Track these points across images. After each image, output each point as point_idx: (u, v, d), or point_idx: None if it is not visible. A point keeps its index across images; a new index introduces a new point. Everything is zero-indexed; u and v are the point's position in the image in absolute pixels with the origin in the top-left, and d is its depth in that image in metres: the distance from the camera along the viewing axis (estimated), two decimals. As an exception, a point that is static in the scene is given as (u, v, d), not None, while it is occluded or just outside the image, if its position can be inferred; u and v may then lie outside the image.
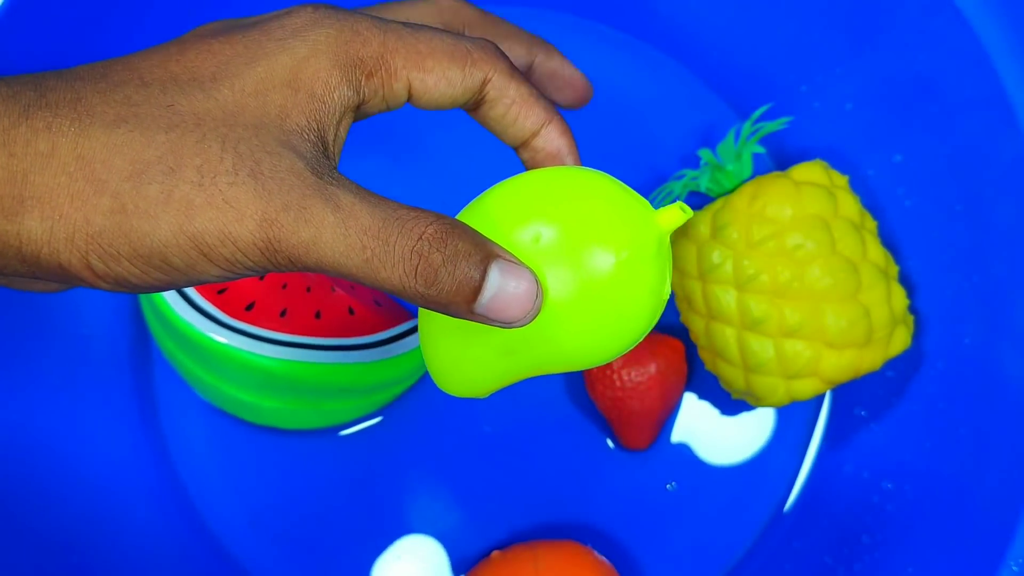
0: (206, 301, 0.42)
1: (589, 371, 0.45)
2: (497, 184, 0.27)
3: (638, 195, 0.25)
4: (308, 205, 0.23)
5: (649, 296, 0.25)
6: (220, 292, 0.43)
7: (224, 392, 0.43)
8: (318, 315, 0.43)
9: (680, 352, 0.45)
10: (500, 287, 0.23)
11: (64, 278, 0.23)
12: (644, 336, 0.26)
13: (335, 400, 0.44)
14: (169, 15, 0.45)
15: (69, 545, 0.42)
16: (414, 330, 0.45)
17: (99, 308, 0.46)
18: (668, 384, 0.44)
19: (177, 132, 0.23)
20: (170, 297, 0.42)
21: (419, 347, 0.44)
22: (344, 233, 0.23)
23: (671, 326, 0.47)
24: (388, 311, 0.46)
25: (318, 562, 0.46)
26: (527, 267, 0.24)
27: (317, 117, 0.25)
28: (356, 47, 0.25)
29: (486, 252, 0.23)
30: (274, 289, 0.43)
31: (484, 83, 0.27)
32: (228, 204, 0.22)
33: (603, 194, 0.25)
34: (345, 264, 0.23)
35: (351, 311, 0.44)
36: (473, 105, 0.28)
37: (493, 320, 0.24)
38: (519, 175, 0.27)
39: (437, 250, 0.23)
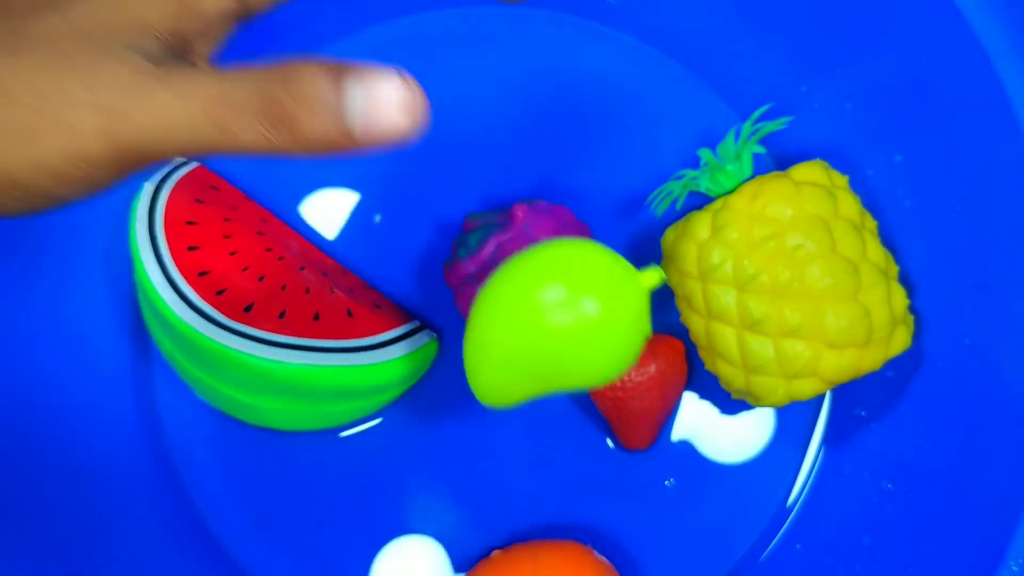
0: (205, 302, 0.42)
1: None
2: (520, 254, 0.34)
3: (624, 262, 0.34)
4: (145, 92, 0.22)
5: (635, 333, 0.34)
6: (219, 293, 0.43)
7: (223, 393, 0.43)
8: (317, 317, 0.43)
9: (680, 352, 0.45)
10: (366, 95, 0.21)
11: None
12: (632, 362, 0.34)
13: (333, 402, 0.44)
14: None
15: (69, 545, 0.42)
16: (413, 332, 0.45)
17: (99, 307, 0.46)
18: (668, 384, 0.44)
19: (19, 56, 0.22)
20: (169, 298, 0.42)
21: (417, 350, 0.44)
22: (185, 107, 0.21)
23: (671, 325, 0.47)
24: (387, 313, 0.46)
25: (318, 562, 0.46)
26: (387, 66, 0.21)
27: (176, 17, 0.24)
28: None
29: (334, 69, 0.21)
30: (273, 291, 0.43)
31: None
32: (68, 125, 0.22)
33: (598, 262, 0.33)
34: (200, 139, 0.21)
35: (349, 313, 0.44)
36: None
37: (383, 137, 0.21)
38: (537, 248, 0.34)
39: (285, 91, 0.21)
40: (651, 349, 0.44)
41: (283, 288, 0.44)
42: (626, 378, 0.43)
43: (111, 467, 0.45)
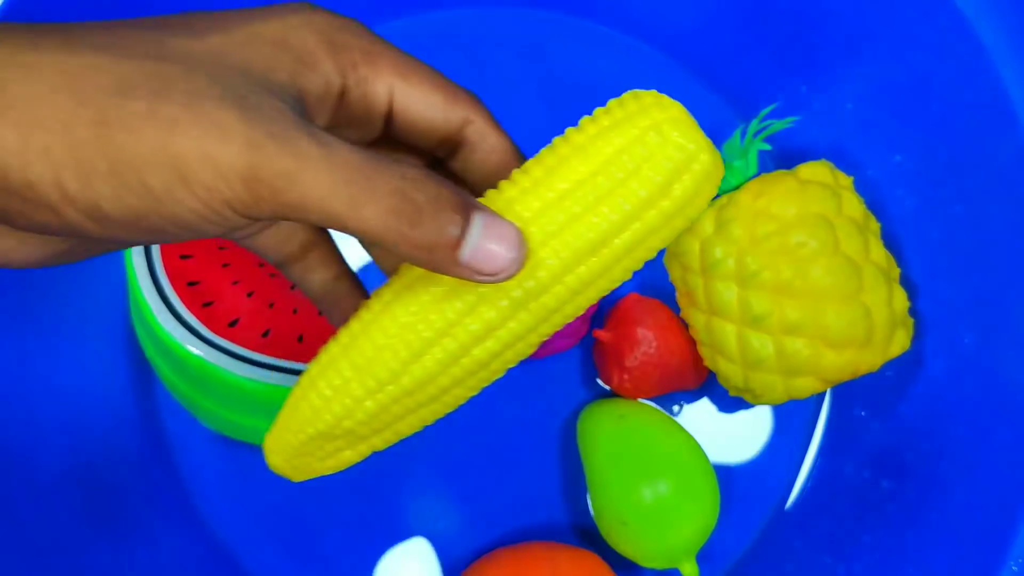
0: (190, 313, 0.41)
1: (603, 365, 0.45)
2: None
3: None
4: (293, 136, 0.22)
5: None
6: (206, 305, 0.42)
7: (200, 404, 0.43)
8: (301, 339, 0.43)
9: (665, 308, 0.45)
10: (484, 234, 0.23)
11: (29, 208, 0.22)
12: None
13: None
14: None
15: (70, 545, 0.42)
16: None
17: (100, 307, 0.46)
18: (669, 352, 0.44)
19: (165, 62, 0.22)
20: (154, 304, 0.41)
21: None
22: (329, 165, 0.22)
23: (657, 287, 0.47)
24: None
25: (319, 563, 0.46)
26: (509, 220, 0.23)
27: (300, 82, 0.24)
28: (346, 36, 0.25)
29: (467, 201, 0.23)
30: (261, 308, 0.43)
31: (465, 123, 0.27)
32: (214, 124, 0.22)
33: None
34: (329, 200, 0.22)
35: None
36: (453, 144, 0.28)
37: (478, 271, 0.23)
38: None
39: (420, 190, 0.22)
40: (643, 323, 0.44)
41: (271, 306, 0.43)
42: (631, 365, 0.43)
43: (112, 466, 0.45)
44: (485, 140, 0.28)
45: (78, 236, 0.23)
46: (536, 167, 0.25)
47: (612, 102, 0.26)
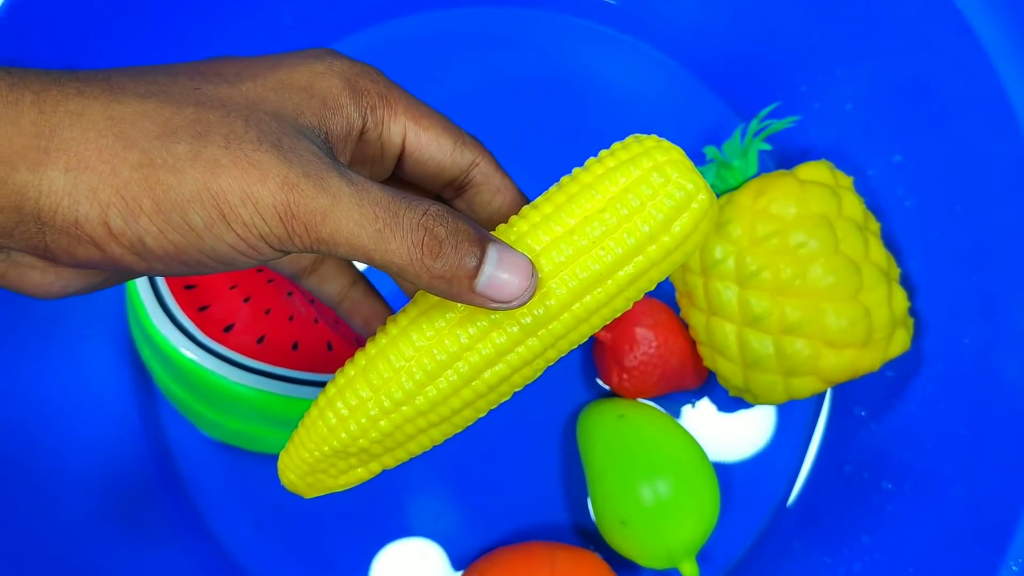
0: (185, 316, 0.41)
1: (603, 365, 0.45)
2: None
3: None
4: (326, 176, 0.24)
5: None
6: (202, 309, 0.42)
7: (193, 408, 0.43)
8: (295, 346, 0.43)
9: (665, 308, 0.45)
10: (498, 265, 0.25)
11: (74, 243, 0.23)
12: None
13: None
14: (168, 17, 0.45)
15: (70, 545, 0.42)
16: None
17: (100, 308, 0.46)
18: (669, 350, 0.44)
19: (203, 108, 0.24)
20: (150, 306, 0.41)
21: None
22: (359, 203, 0.24)
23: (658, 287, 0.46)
24: None
25: (319, 563, 0.46)
26: (521, 252, 0.25)
27: (326, 124, 0.26)
28: (365, 81, 0.28)
29: (482, 235, 0.25)
30: (257, 314, 0.43)
31: (472, 165, 0.29)
32: (253, 165, 0.23)
33: None
34: (359, 235, 0.24)
35: (329, 347, 0.43)
36: (459, 185, 0.30)
37: (492, 299, 0.25)
38: None
39: (441, 225, 0.24)
40: (642, 323, 0.44)
41: (267, 312, 0.43)
42: (633, 362, 0.43)
43: (112, 467, 0.45)
44: (490, 181, 0.30)
45: (118, 270, 0.24)
46: (546, 204, 0.27)
47: (616, 145, 0.28)
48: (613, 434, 0.43)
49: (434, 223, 0.24)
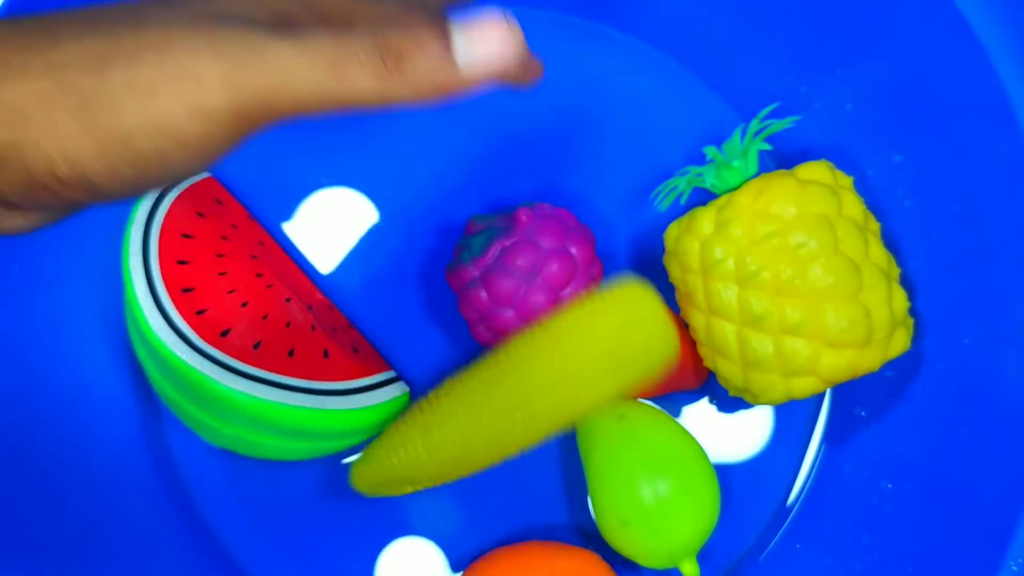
0: (182, 319, 0.41)
1: None
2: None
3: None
4: (264, 48, 0.23)
5: None
6: (199, 313, 0.41)
7: (188, 411, 0.43)
8: (292, 353, 0.42)
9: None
10: (467, 31, 0.24)
11: (30, 193, 0.24)
12: None
13: (295, 440, 0.43)
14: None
15: (69, 545, 0.42)
16: (387, 382, 0.44)
17: (100, 310, 0.46)
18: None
19: (140, 26, 0.24)
20: (147, 308, 0.41)
21: (387, 402, 0.44)
22: (307, 57, 0.23)
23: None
24: (364, 360, 0.45)
25: (319, 563, 0.46)
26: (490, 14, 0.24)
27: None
28: None
29: (435, 17, 0.24)
30: (254, 319, 0.42)
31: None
32: (189, 75, 0.23)
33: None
34: (319, 85, 0.23)
35: (326, 354, 0.43)
36: None
37: (486, 65, 0.24)
38: None
39: (395, 36, 0.23)
40: None
41: (264, 318, 0.43)
42: None
43: (112, 467, 0.45)
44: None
45: (83, 206, 0.25)
46: (542, 334, 0.38)
47: (600, 290, 0.38)
48: (613, 434, 0.43)
49: (386, 39, 0.23)
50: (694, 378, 0.45)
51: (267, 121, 0.24)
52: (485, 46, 0.23)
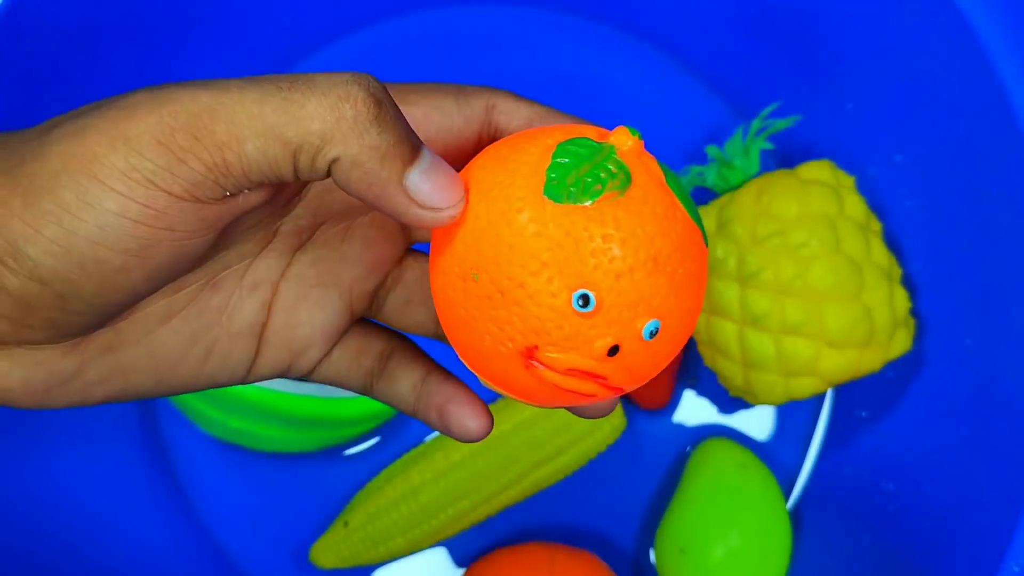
0: None
1: None
2: None
3: None
4: (204, 81, 0.20)
5: None
6: None
7: (191, 404, 0.42)
8: None
9: None
10: (431, 165, 0.21)
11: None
12: None
13: (300, 430, 0.43)
14: (167, 16, 0.45)
15: (69, 547, 0.42)
16: None
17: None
18: None
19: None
20: None
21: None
22: (254, 82, 0.20)
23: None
24: None
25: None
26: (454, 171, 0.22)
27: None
28: None
29: (415, 148, 0.21)
30: None
31: (488, 108, 0.25)
32: (119, 109, 0.20)
33: None
34: (260, 111, 0.20)
35: None
36: (488, 140, 0.25)
37: (422, 202, 0.21)
38: None
39: (380, 87, 0.21)
40: None
41: None
42: None
43: (112, 468, 0.45)
44: (518, 114, 0.25)
45: (47, 324, 0.21)
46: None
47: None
48: (726, 479, 0.43)
49: (370, 81, 0.20)
50: (656, 401, 0.46)
51: (202, 163, 0.20)
52: (436, 195, 0.21)
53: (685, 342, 0.23)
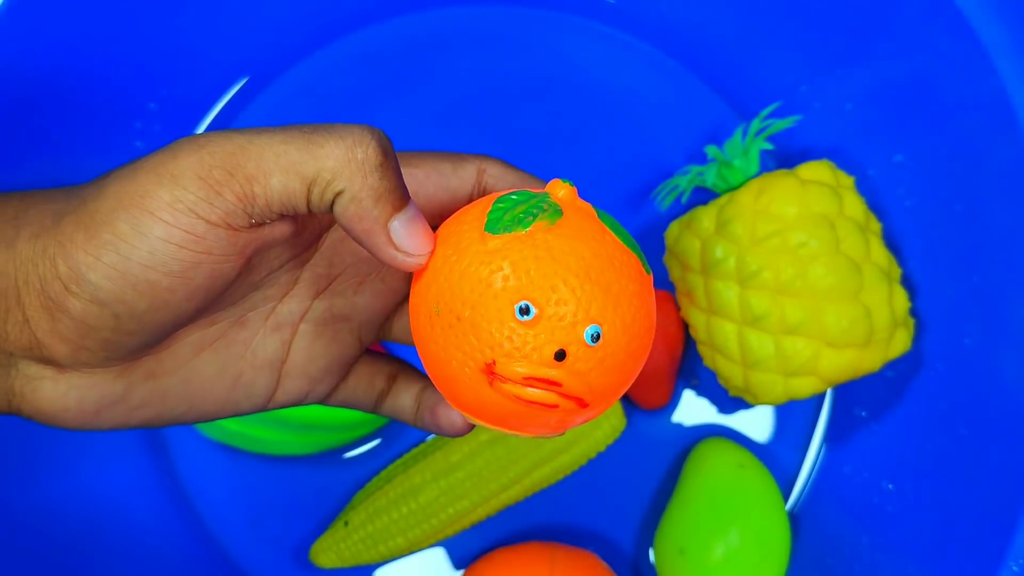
0: None
1: None
2: None
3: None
4: (239, 129, 0.24)
5: None
6: None
7: None
8: None
9: (669, 300, 0.45)
10: (414, 217, 0.25)
11: (46, 314, 0.24)
12: None
13: (300, 434, 0.43)
14: (167, 17, 0.45)
15: (68, 546, 0.42)
16: None
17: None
18: (670, 337, 0.44)
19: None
20: None
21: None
22: (281, 129, 0.24)
23: (656, 286, 0.47)
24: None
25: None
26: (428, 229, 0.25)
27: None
28: None
29: (401, 200, 0.25)
30: None
31: (479, 172, 0.29)
32: (167, 151, 0.24)
33: None
34: (285, 151, 0.23)
35: None
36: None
37: (399, 246, 0.24)
38: None
39: (388, 143, 0.24)
40: None
41: None
42: None
43: (111, 468, 0.45)
44: (504, 180, 0.29)
45: (107, 348, 0.25)
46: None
47: None
48: (724, 480, 0.43)
49: (381, 135, 0.24)
50: (661, 393, 0.46)
51: (235, 195, 0.24)
52: (412, 241, 0.25)
53: (641, 359, 0.25)
